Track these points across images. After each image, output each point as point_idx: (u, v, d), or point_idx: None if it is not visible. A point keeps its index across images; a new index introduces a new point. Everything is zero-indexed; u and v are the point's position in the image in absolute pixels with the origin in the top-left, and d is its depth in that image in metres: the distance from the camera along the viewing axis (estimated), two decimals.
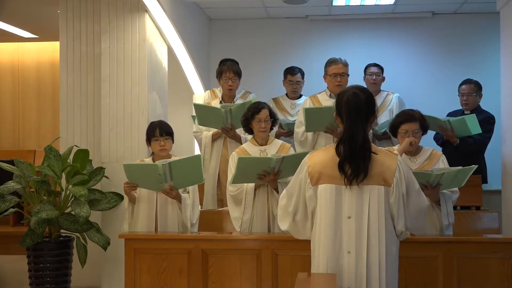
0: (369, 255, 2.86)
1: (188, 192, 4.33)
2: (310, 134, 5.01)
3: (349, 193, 2.88)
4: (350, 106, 2.88)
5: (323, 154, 2.98)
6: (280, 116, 5.71)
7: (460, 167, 3.87)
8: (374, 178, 2.87)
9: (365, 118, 2.89)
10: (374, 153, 2.88)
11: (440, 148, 5.52)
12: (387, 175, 2.88)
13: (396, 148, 4.11)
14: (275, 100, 6.03)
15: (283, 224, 3.10)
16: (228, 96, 5.32)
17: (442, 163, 4.03)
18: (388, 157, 2.93)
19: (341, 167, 2.86)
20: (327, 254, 2.89)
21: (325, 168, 2.92)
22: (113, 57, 5.33)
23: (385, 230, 2.87)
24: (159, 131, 4.30)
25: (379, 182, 2.87)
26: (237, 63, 5.54)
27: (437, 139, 5.64)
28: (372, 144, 2.94)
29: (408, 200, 2.93)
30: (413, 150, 4.07)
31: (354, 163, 2.84)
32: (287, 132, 5.58)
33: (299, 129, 5.03)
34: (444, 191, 3.96)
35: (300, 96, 5.98)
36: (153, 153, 4.42)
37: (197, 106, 5.10)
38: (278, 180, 4.20)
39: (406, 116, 4.01)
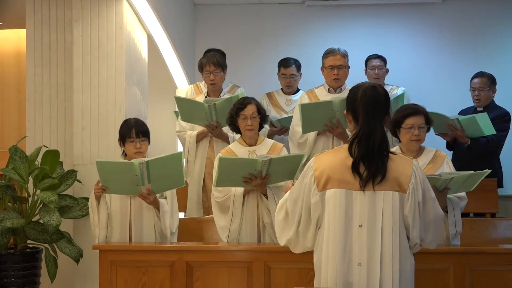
0: (383, 268, 2.85)
1: (165, 198, 4.33)
2: (311, 135, 4.99)
3: (361, 199, 2.88)
4: (369, 101, 2.88)
5: (332, 156, 2.98)
6: (273, 113, 5.72)
7: (472, 172, 3.89)
8: (388, 183, 2.88)
9: (383, 116, 2.91)
10: (392, 153, 2.91)
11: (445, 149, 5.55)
12: (403, 180, 2.89)
13: (395, 149, 4.13)
14: (269, 95, 6.03)
15: (283, 238, 3.11)
16: (213, 91, 5.31)
17: (447, 165, 4.06)
18: (403, 160, 2.95)
19: (355, 168, 2.86)
20: (335, 266, 2.88)
21: (334, 172, 2.92)
22: (86, 46, 5.31)
23: (399, 240, 2.87)
24: (135, 132, 4.28)
25: (394, 187, 2.88)
26: (220, 52, 5.51)
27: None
28: None
29: (424, 208, 2.94)
30: (416, 150, 4.08)
31: (371, 163, 2.84)
32: (280, 129, 5.58)
33: (299, 128, 5.00)
34: (451, 196, 3.98)
35: (298, 91, 5.99)
36: (125, 154, 4.40)
37: (179, 100, 5.08)
38: (267, 185, 4.21)
39: (411, 110, 4.03)
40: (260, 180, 4.13)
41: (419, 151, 4.10)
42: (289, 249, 3.93)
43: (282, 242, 3.13)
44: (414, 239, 2.93)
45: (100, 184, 4.22)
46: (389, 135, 5.15)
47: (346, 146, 2.94)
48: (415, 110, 4.02)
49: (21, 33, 6.25)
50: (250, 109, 4.29)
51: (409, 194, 2.88)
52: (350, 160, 2.88)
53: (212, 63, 5.17)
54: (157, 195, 4.24)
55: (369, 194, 2.88)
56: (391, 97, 5.25)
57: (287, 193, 3.14)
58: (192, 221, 4.85)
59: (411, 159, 2.98)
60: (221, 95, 5.30)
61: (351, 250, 2.88)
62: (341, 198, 2.89)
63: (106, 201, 4.27)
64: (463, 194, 4.04)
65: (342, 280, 2.87)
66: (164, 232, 4.25)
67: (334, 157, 2.96)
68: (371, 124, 2.87)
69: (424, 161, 4.06)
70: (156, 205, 4.23)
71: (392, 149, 4.07)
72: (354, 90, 2.98)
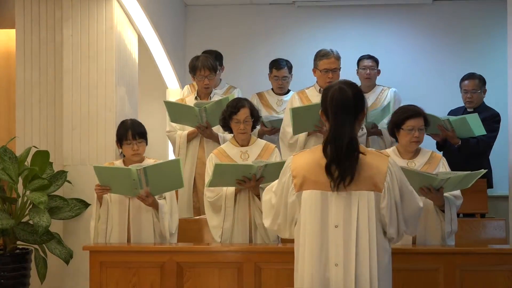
0: (358, 268, 2.88)
1: (164, 198, 4.31)
2: (302, 135, 5.00)
3: (336, 199, 2.90)
4: (336, 103, 2.90)
5: (308, 156, 2.99)
6: (264, 113, 5.72)
7: (468, 172, 3.91)
8: (363, 183, 2.89)
9: (353, 116, 2.92)
10: (362, 153, 2.91)
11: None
12: (377, 179, 2.90)
13: (391, 150, 4.14)
14: (259, 95, 6.02)
15: (267, 221, 3.14)
16: (204, 94, 5.31)
17: (442, 166, 4.07)
18: (378, 158, 2.95)
19: (328, 169, 2.88)
20: (312, 267, 2.90)
21: (310, 173, 2.93)
22: (76, 46, 5.29)
23: (376, 240, 2.89)
24: (131, 134, 4.24)
25: (369, 187, 2.90)
26: (214, 55, 5.52)
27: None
28: (361, 145, 2.96)
29: (402, 204, 2.97)
30: (412, 151, 4.10)
31: (341, 165, 2.86)
32: (270, 130, 5.58)
33: (289, 129, 5.00)
34: (448, 195, 4.00)
35: (288, 91, 5.98)
36: (123, 155, 4.39)
37: (168, 104, 5.11)
38: (260, 185, 4.20)
39: (412, 112, 4.04)
40: (254, 182, 4.14)
41: (416, 152, 4.11)
42: (280, 250, 3.95)
43: (266, 224, 3.15)
44: (391, 235, 2.97)
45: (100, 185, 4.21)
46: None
47: (321, 146, 2.94)
48: (416, 112, 4.03)
49: (11, 33, 6.21)
50: (244, 113, 4.28)
51: (385, 193, 2.90)
52: (324, 161, 2.90)
53: (207, 68, 5.16)
54: (156, 196, 4.22)
55: (344, 195, 2.90)
56: (380, 108, 5.28)
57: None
58: (183, 221, 4.83)
59: (387, 157, 2.98)
60: (211, 96, 5.30)
61: (327, 251, 2.90)
62: (317, 199, 2.91)
63: (107, 202, 4.25)
64: (458, 193, 4.06)
65: (319, 280, 2.89)
66: (163, 233, 4.24)
67: (310, 157, 2.98)
68: (339, 127, 2.88)
69: (421, 162, 4.07)
70: (155, 206, 4.21)
71: (388, 150, 4.12)
72: (325, 91, 2.99)
